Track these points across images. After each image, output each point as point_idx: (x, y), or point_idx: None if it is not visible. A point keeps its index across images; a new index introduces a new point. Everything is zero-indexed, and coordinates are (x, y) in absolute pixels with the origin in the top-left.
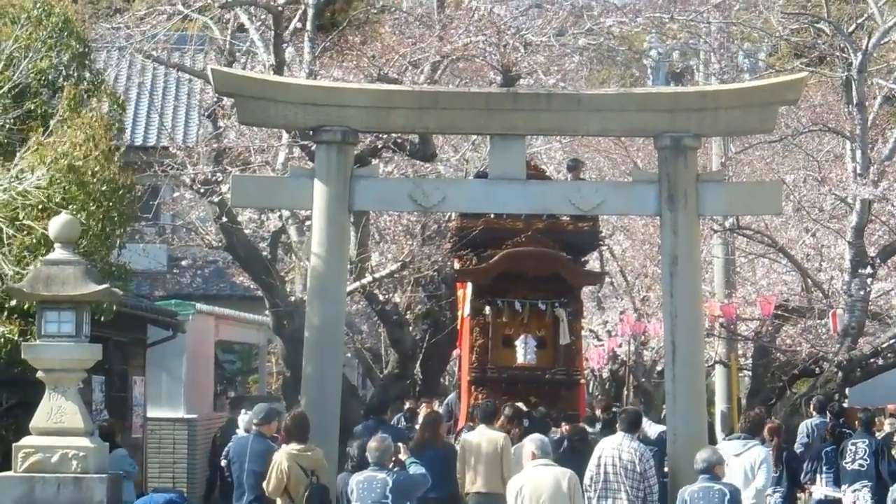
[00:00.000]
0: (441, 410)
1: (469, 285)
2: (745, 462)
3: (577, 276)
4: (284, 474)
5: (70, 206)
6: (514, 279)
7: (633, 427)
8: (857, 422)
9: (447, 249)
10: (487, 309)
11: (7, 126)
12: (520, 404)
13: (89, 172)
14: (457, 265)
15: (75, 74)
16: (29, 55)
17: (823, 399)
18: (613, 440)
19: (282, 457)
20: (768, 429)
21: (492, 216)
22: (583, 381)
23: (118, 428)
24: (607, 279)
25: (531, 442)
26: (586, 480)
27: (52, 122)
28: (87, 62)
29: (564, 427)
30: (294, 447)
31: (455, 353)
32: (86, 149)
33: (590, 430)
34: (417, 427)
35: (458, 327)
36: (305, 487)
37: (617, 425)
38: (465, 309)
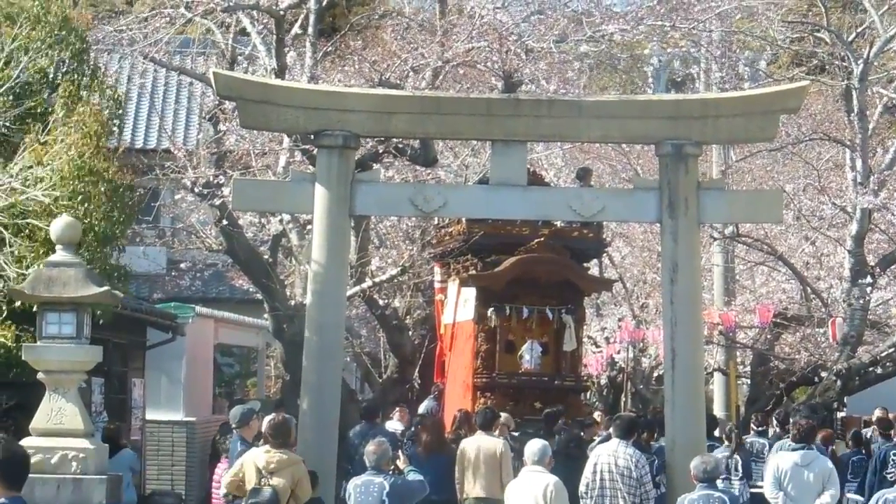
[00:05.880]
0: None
1: (462, 291)
2: (815, 474)
3: (589, 283)
4: (241, 472)
5: (69, 206)
6: (523, 285)
7: (627, 433)
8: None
9: (430, 255)
10: (491, 314)
11: (7, 125)
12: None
13: (86, 170)
14: (438, 270)
15: (73, 71)
16: (28, 54)
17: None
18: (609, 447)
19: (246, 456)
20: (822, 437)
21: (498, 222)
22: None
23: (125, 430)
24: None
25: (528, 447)
26: (582, 487)
27: (50, 120)
28: (85, 58)
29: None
30: (263, 449)
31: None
32: (82, 147)
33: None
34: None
35: (440, 333)
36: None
37: (611, 431)
38: (448, 315)
